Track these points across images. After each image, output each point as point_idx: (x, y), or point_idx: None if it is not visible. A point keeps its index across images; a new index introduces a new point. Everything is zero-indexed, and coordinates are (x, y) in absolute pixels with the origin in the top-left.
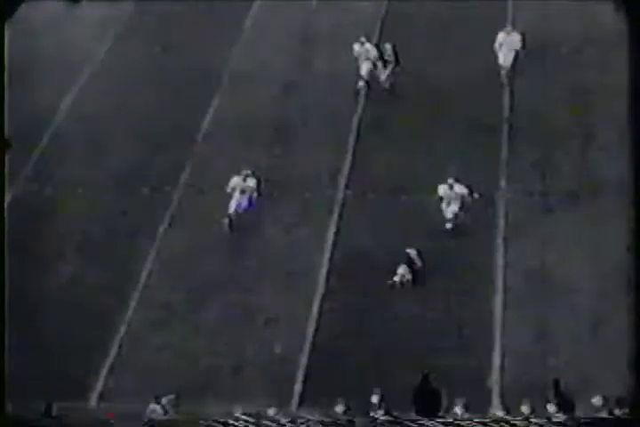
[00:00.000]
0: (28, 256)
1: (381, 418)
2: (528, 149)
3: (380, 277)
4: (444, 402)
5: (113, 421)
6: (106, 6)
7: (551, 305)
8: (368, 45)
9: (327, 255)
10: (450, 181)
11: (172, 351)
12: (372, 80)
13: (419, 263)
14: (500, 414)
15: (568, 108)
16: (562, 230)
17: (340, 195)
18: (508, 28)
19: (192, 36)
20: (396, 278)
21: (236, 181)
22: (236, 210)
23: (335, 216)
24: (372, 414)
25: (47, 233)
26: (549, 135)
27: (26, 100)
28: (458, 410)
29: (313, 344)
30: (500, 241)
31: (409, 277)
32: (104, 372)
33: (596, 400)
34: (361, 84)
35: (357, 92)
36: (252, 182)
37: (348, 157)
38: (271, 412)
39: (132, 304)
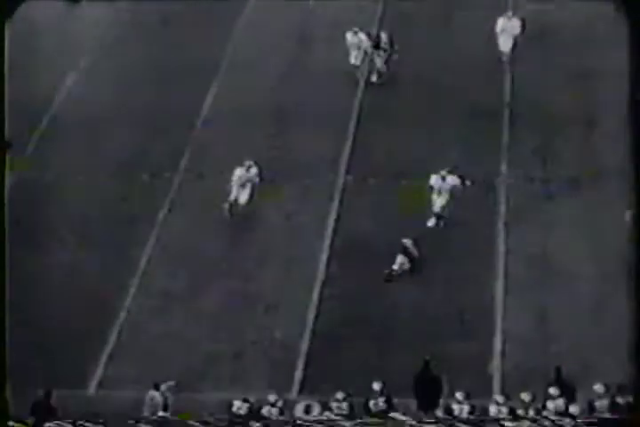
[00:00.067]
0: (26, 242)
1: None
2: (529, 135)
3: (381, 263)
4: (445, 389)
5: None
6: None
7: (552, 291)
8: (361, 35)
9: (327, 241)
10: (443, 172)
11: (171, 338)
12: (363, 68)
13: (415, 253)
14: (501, 400)
15: (569, 94)
16: (563, 216)
17: (341, 180)
18: (509, 13)
19: (192, 25)
20: (395, 267)
21: (239, 171)
22: None
23: (336, 202)
24: (372, 400)
25: (46, 219)
26: (550, 121)
27: (25, 86)
28: (459, 396)
29: (313, 331)
30: (500, 227)
31: (407, 266)
32: (103, 359)
33: (598, 387)
34: (358, 74)
35: (357, 82)
36: (254, 172)
37: (349, 143)
38: (271, 398)
39: (132, 291)
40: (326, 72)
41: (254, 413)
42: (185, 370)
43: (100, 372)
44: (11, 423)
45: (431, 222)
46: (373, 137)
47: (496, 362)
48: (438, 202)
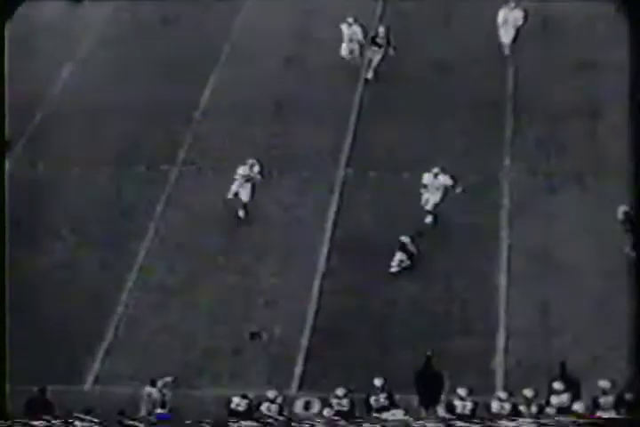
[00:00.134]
0: (20, 237)
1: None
2: (532, 128)
3: (382, 257)
4: (447, 385)
5: None
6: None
7: (556, 285)
8: (355, 27)
9: (328, 235)
10: (435, 170)
11: (169, 333)
12: (354, 61)
13: (413, 250)
14: (504, 396)
15: (573, 87)
16: (566, 210)
17: (341, 173)
18: (511, 4)
19: (192, 18)
20: (394, 264)
21: (242, 170)
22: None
23: (336, 195)
24: (373, 397)
25: (41, 213)
26: (554, 113)
27: (20, 74)
28: (461, 393)
29: (313, 326)
30: (504, 221)
31: (407, 263)
32: (100, 354)
33: (603, 383)
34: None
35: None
36: (257, 170)
37: (349, 135)
38: (270, 395)
39: (129, 285)
40: (327, 65)
41: (253, 409)
42: (183, 366)
43: (96, 367)
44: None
45: (428, 219)
46: (374, 129)
47: (499, 358)
48: (431, 200)
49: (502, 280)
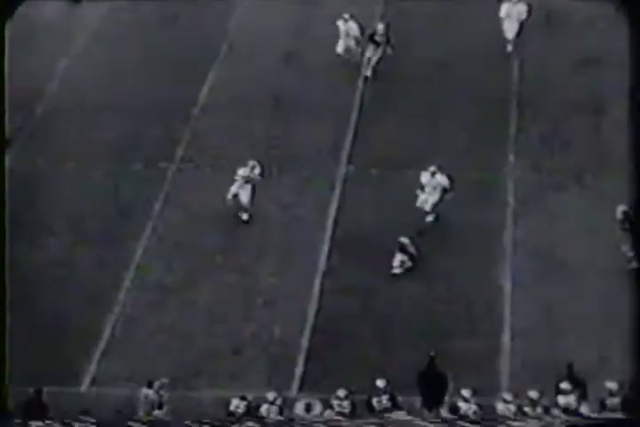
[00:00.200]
0: (16, 232)
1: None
2: (537, 124)
3: (384, 255)
4: (451, 386)
5: None
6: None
7: (561, 285)
8: (351, 23)
9: (328, 233)
10: (432, 168)
11: (167, 334)
12: (350, 57)
13: (413, 251)
14: (509, 397)
15: (578, 82)
16: (571, 208)
17: (342, 170)
18: None
19: (191, 14)
20: (395, 265)
21: (243, 171)
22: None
23: (337, 192)
24: (375, 398)
25: (36, 210)
26: (558, 109)
27: (16, 70)
28: (465, 394)
29: (314, 326)
30: (508, 218)
31: (409, 264)
32: (96, 355)
33: (611, 385)
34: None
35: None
36: (257, 172)
37: (350, 131)
38: (270, 396)
39: (126, 284)
40: (326, 62)
41: (252, 411)
42: (180, 366)
43: (92, 368)
44: None
45: (429, 218)
46: (376, 126)
47: (504, 359)
48: (430, 200)
49: (507, 279)
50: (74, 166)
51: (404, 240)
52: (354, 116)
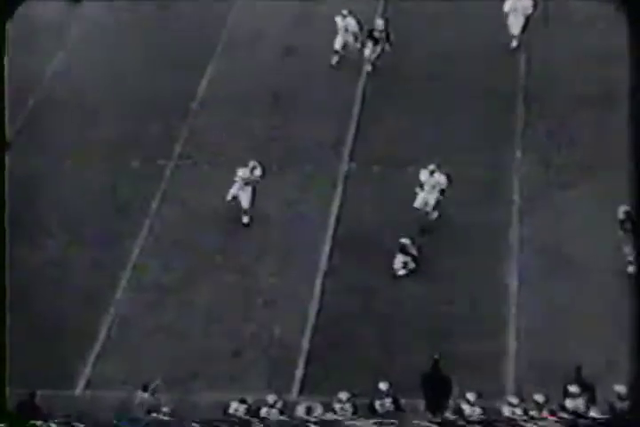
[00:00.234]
0: (12, 233)
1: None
2: (543, 119)
3: (386, 254)
4: (455, 389)
5: None
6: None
7: (568, 283)
8: (349, 19)
9: (330, 231)
10: (431, 167)
11: (165, 334)
12: (348, 54)
13: (414, 252)
14: (514, 401)
15: (585, 77)
16: (579, 205)
17: (344, 167)
18: None
19: (188, 8)
20: (396, 266)
21: (243, 172)
22: None
23: (339, 190)
24: (378, 401)
25: (31, 208)
26: (566, 105)
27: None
28: (470, 397)
29: (315, 327)
30: (514, 216)
31: (412, 265)
32: (92, 357)
33: (620, 388)
34: (335, 58)
35: (333, 67)
36: (258, 174)
37: (352, 128)
38: (270, 399)
39: (123, 284)
40: (328, 56)
41: (252, 414)
42: (178, 369)
43: (88, 371)
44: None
45: (433, 216)
46: (378, 122)
47: (510, 361)
48: (430, 200)
49: (513, 279)
50: (71, 164)
51: (405, 241)
52: (356, 112)
